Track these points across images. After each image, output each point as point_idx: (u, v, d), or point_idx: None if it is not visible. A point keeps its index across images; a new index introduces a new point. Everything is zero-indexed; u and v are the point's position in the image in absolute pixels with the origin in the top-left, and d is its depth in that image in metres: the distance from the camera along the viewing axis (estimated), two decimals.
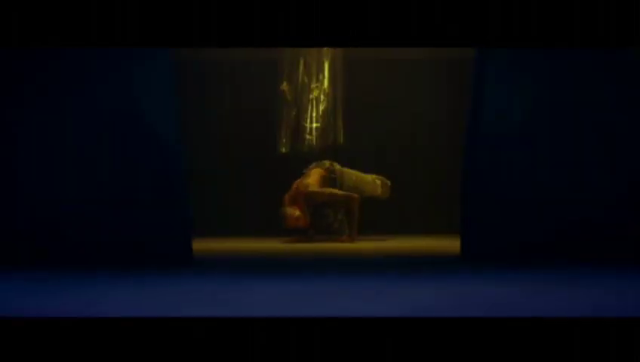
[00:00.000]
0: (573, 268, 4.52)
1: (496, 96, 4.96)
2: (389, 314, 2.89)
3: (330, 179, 7.66)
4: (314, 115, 8.34)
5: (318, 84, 8.17)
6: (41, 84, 4.92)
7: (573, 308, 3.09)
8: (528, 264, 4.77)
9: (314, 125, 8.35)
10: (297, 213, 7.45)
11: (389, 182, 7.82)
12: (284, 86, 8.21)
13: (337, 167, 7.76)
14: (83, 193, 5.01)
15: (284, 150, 8.27)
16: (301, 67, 8.21)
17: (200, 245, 6.38)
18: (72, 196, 4.99)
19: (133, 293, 3.59)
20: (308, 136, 8.31)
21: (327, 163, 7.75)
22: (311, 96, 8.24)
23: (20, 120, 4.95)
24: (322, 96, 8.22)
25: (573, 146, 5.01)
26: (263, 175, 8.64)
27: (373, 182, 7.77)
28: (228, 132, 8.85)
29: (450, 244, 6.54)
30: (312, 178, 7.60)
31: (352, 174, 7.76)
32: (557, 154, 5.01)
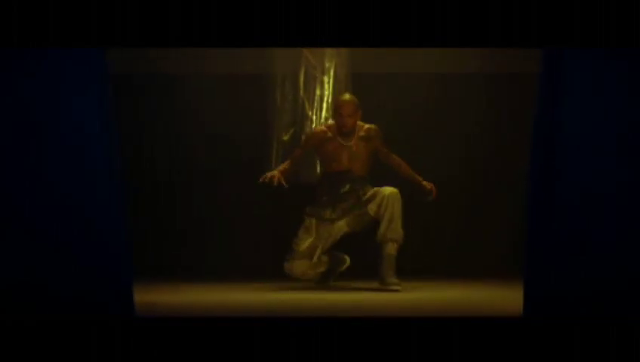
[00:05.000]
0: None
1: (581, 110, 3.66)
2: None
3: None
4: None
5: (317, 109, 7.43)
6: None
7: None
8: None
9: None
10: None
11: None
12: (278, 99, 7.47)
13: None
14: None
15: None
16: (301, 81, 7.51)
17: (164, 296, 4.67)
18: None
19: None
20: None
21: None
22: (311, 115, 7.47)
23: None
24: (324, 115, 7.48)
25: None
26: (257, 205, 6.73)
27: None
28: (215, 155, 7.30)
29: (493, 296, 4.71)
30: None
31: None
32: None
